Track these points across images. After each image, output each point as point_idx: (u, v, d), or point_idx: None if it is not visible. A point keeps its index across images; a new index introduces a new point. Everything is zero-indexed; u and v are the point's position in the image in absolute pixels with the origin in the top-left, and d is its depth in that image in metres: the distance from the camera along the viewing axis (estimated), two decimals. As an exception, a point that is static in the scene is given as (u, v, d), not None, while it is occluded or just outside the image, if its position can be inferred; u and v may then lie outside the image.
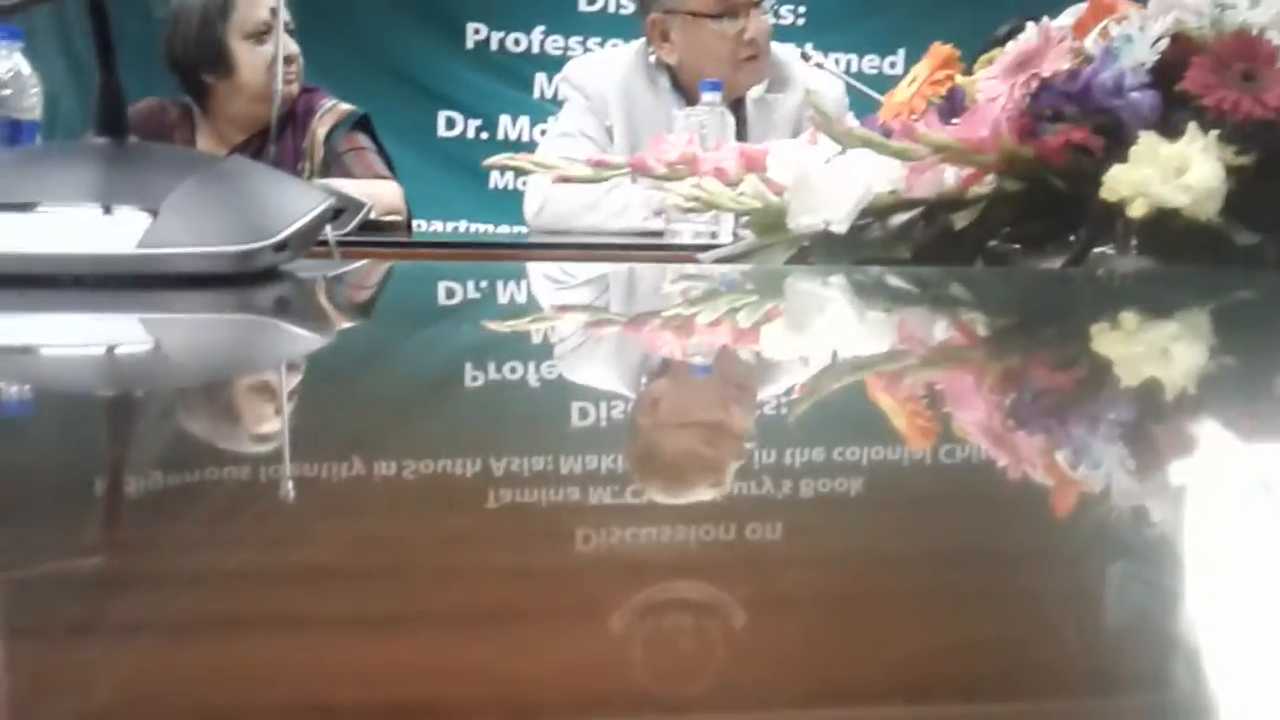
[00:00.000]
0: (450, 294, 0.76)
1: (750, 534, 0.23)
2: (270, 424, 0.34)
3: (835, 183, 0.80)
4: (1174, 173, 0.75)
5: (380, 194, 1.98)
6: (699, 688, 0.16)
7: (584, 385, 0.45)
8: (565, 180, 1.09)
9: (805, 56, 2.17)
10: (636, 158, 0.98)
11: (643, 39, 2.08)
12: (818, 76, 2.08)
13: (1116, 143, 0.81)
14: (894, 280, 0.79)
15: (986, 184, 0.81)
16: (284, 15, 2.03)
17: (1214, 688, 0.16)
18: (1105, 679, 0.16)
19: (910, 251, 0.81)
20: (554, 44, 3.33)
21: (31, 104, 1.58)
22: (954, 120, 0.85)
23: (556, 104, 2.41)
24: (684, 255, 1.29)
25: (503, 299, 0.77)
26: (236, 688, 0.15)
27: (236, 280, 0.56)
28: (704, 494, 0.27)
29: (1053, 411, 0.40)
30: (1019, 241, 0.83)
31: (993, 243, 0.83)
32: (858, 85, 2.20)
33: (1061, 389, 0.45)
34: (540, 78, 3.31)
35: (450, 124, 3.30)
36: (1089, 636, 0.18)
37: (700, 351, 0.53)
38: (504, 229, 2.91)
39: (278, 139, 2.01)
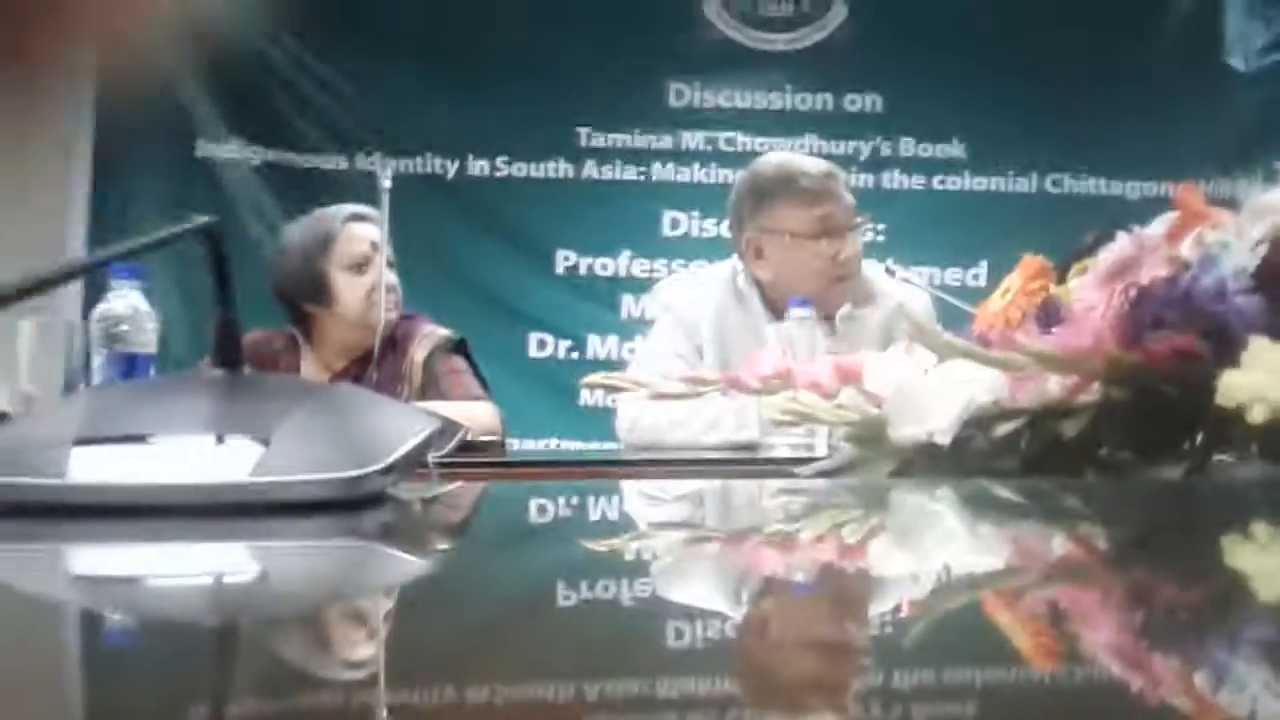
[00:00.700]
0: (545, 512, 0.76)
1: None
2: (375, 651, 0.33)
3: (936, 393, 0.79)
4: (1289, 376, 0.73)
5: (477, 415, 2.02)
6: None
7: (688, 606, 0.43)
8: (660, 397, 1.10)
9: (890, 271, 2.20)
10: (731, 374, 0.99)
11: (732, 259, 2.13)
12: (903, 290, 2.11)
13: (1224, 347, 0.79)
14: (1003, 493, 0.77)
15: (1093, 392, 0.79)
16: (387, 251, 2.13)
17: None
18: None
19: (1017, 463, 0.79)
20: (640, 267, 3.44)
21: (148, 338, 1.66)
22: (1052, 330, 0.84)
23: (644, 324, 2.47)
24: (780, 471, 1.28)
25: (597, 517, 0.76)
26: None
27: (344, 505, 0.57)
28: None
29: (1187, 631, 0.38)
30: (1130, 450, 0.81)
31: (1102, 452, 0.80)
32: (944, 296, 2.22)
33: (1194, 606, 0.43)
34: (627, 299, 3.41)
35: (541, 345, 3.39)
36: None
37: (806, 569, 0.51)
38: (595, 445, 2.93)
39: (380, 363, 2.08)
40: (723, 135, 3.47)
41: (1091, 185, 3.50)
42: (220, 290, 0.66)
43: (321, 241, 2.18)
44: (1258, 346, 0.75)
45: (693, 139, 3.47)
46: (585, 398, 3.21)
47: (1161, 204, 0.90)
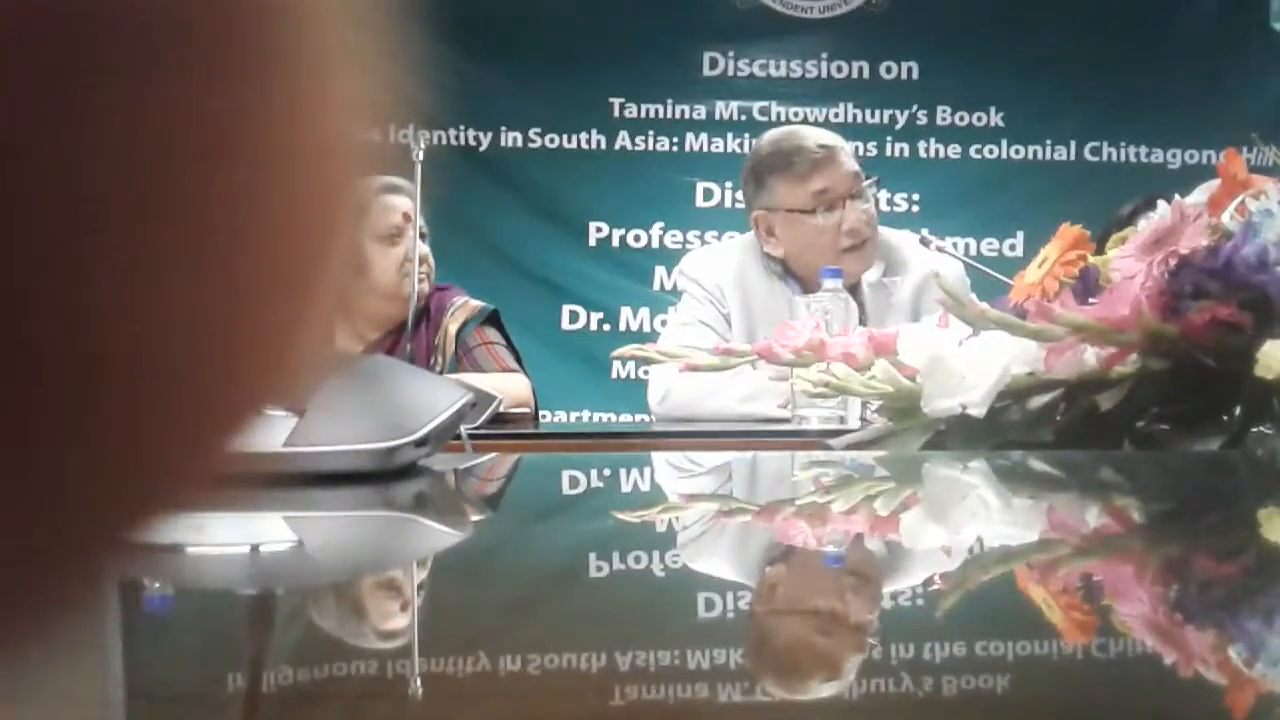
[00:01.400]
0: (578, 484, 0.76)
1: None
2: (409, 620, 0.33)
3: (971, 365, 0.78)
4: (1332, 347, 0.71)
5: (510, 387, 2.02)
6: None
7: (719, 578, 0.43)
8: (692, 369, 1.09)
9: (924, 241, 2.18)
10: (763, 345, 0.98)
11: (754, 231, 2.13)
12: (935, 259, 2.09)
13: (1264, 318, 0.78)
14: (1038, 465, 0.76)
15: (1130, 363, 0.78)
16: (420, 222, 2.13)
17: None
18: None
19: (1052, 434, 0.79)
20: (673, 238, 3.42)
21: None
22: (1090, 300, 0.83)
23: (676, 296, 2.46)
24: (812, 442, 1.27)
25: (630, 489, 0.76)
26: None
27: (378, 475, 0.57)
28: (861, 692, 0.25)
29: (1224, 604, 0.37)
30: (1168, 422, 0.80)
31: (1140, 424, 0.79)
32: (978, 267, 2.19)
33: (1232, 579, 0.42)
34: (660, 270, 3.39)
35: (574, 317, 3.39)
36: None
37: (838, 541, 0.51)
38: (626, 418, 2.94)
39: (413, 335, 2.08)
40: (757, 105, 3.44)
41: (1130, 153, 3.44)
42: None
43: (359, 212, 2.19)
44: (1300, 317, 0.74)
45: (727, 109, 3.45)
46: (617, 370, 3.21)
47: (1203, 172, 0.89)
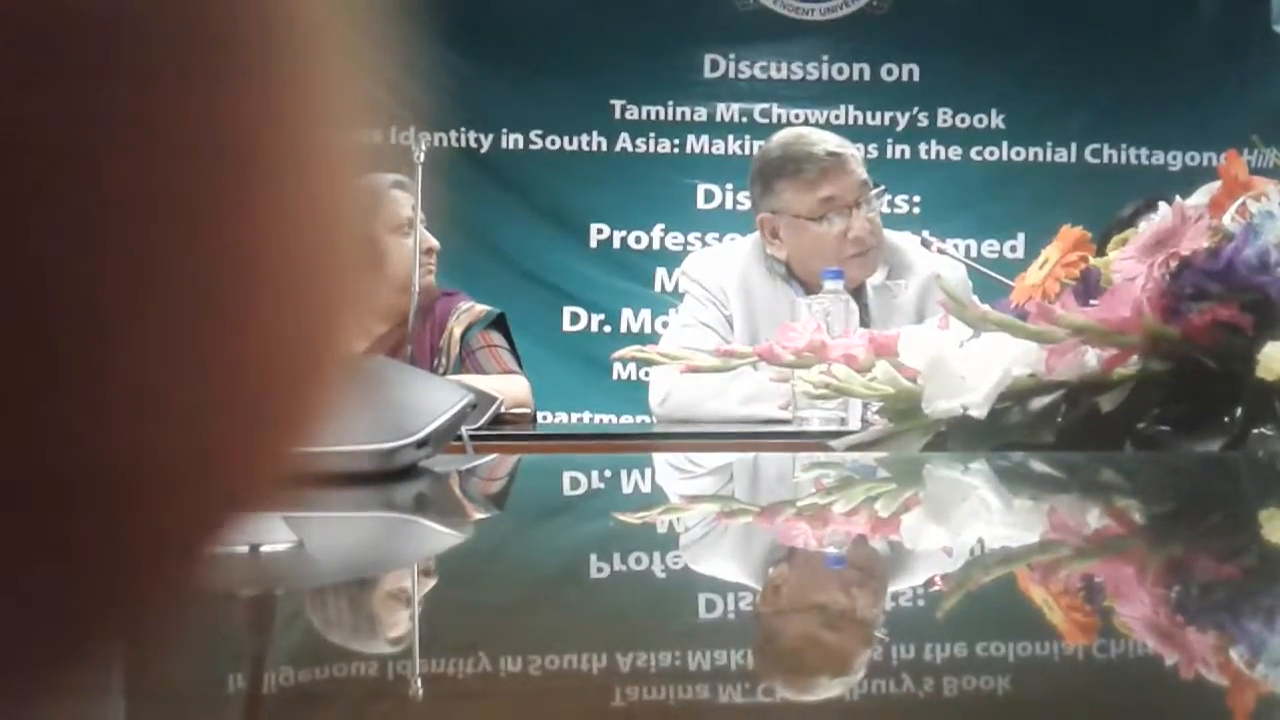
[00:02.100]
0: (579, 485, 0.76)
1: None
2: (410, 621, 0.33)
3: (972, 366, 0.78)
4: (1333, 348, 0.71)
5: (510, 389, 2.02)
6: None
7: (720, 579, 0.43)
8: (693, 370, 1.09)
9: (925, 243, 2.18)
10: (764, 346, 0.98)
11: (758, 232, 2.13)
12: (938, 262, 2.09)
13: (1265, 320, 0.78)
14: (1039, 466, 0.76)
15: (1131, 365, 0.78)
16: (421, 223, 2.13)
17: None
18: None
19: (1053, 436, 0.79)
20: (673, 240, 3.42)
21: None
22: (1091, 302, 0.83)
23: (677, 297, 2.46)
24: (813, 444, 1.27)
25: (631, 490, 0.76)
26: None
27: (379, 476, 0.57)
28: (863, 693, 0.25)
29: (1226, 606, 0.37)
30: (1169, 424, 0.80)
31: (1141, 425, 0.79)
32: (979, 268, 2.19)
33: (1233, 581, 0.42)
34: (661, 272, 3.39)
35: (575, 319, 3.39)
36: None
37: (838, 542, 0.51)
38: (627, 419, 2.94)
39: (415, 336, 2.08)
40: (758, 107, 3.44)
41: (1131, 155, 3.44)
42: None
43: (370, 204, 2.19)
44: (1301, 318, 0.74)
45: (728, 110, 3.44)
46: (618, 371, 3.21)
47: (1204, 174, 0.89)
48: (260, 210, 0.14)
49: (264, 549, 0.47)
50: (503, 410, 1.68)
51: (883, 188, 2.12)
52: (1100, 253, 0.94)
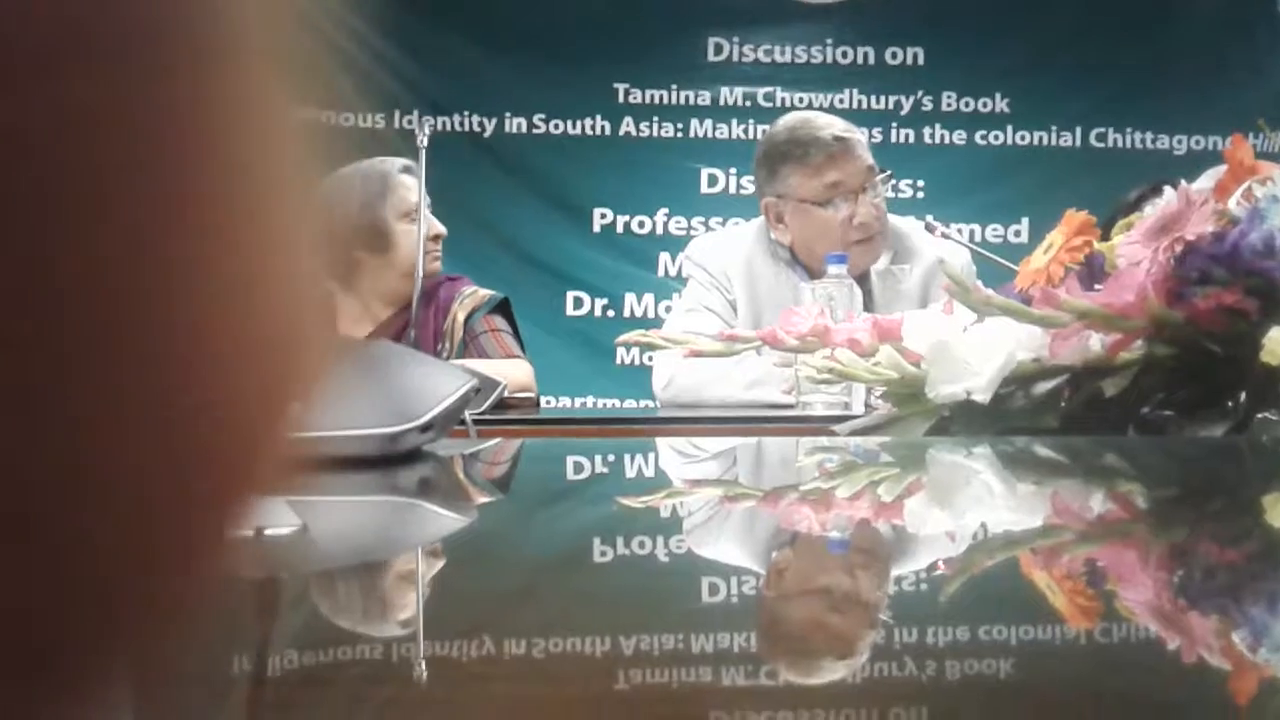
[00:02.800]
0: (582, 469, 0.76)
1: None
2: (415, 605, 0.33)
3: (976, 351, 0.78)
4: (1338, 333, 0.71)
5: (513, 373, 2.03)
6: None
7: (723, 563, 0.43)
8: (697, 355, 1.09)
9: (929, 228, 2.17)
10: (768, 331, 0.98)
11: (763, 216, 2.12)
12: (942, 246, 2.09)
13: (1270, 304, 0.78)
14: (1042, 450, 0.76)
15: (1135, 349, 0.78)
16: (426, 206, 2.13)
17: None
18: None
19: (1057, 420, 0.79)
20: (677, 225, 3.42)
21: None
22: (1095, 286, 0.83)
23: (680, 282, 2.46)
24: (816, 428, 1.27)
25: (635, 474, 0.76)
26: None
27: (383, 460, 0.57)
28: (866, 676, 0.25)
29: (1229, 589, 0.37)
30: (1173, 408, 0.80)
31: (1145, 410, 0.79)
32: (984, 253, 2.19)
33: (1236, 565, 0.42)
34: (664, 257, 3.39)
35: (578, 303, 3.39)
36: None
37: (842, 526, 0.51)
38: (631, 403, 2.94)
39: (419, 320, 2.08)
40: (762, 90, 3.43)
41: (1136, 139, 3.43)
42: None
43: (379, 190, 2.19)
44: (1306, 303, 0.74)
45: (731, 94, 3.43)
46: (621, 356, 3.21)
47: (1209, 158, 0.89)
48: (230, 206, 0.14)
49: (268, 533, 0.48)
50: (506, 394, 1.68)
51: (889, 173, 2.11)
52: (1105, 237, 0.94)
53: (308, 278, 0.16)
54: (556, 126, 3.47)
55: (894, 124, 3.44)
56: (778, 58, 3.51)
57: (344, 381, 0.59)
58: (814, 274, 1.98)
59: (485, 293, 2.26)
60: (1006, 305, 0.81)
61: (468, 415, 0.73)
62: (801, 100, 3.32)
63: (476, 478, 0.69)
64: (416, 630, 0.30)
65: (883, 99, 3.45)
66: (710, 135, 3.50)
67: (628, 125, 3.48)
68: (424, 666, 0.25)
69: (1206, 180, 0.90)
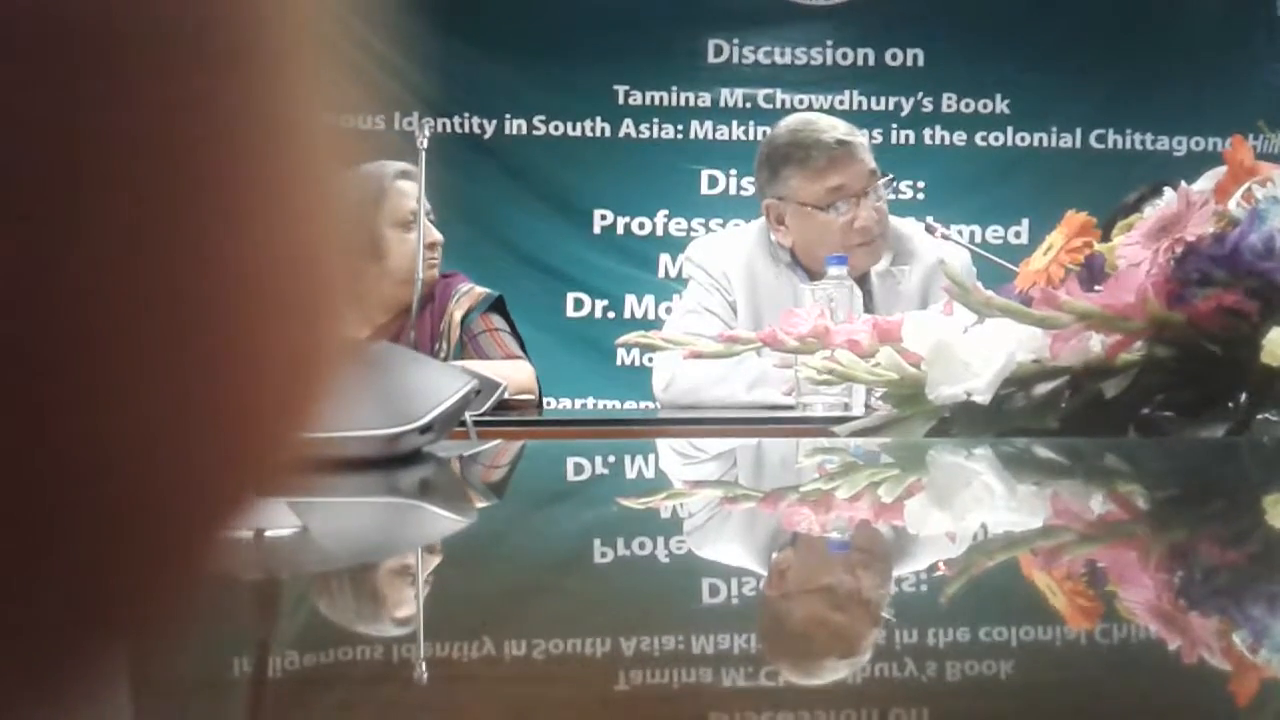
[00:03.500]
0: (583, 471, 0.76)
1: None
2: (415, 606, 0.33)
3: (976, 352, 0.78)
4: (1338, 334, 0.71)
5: (513, 374, 2.03)
6: None
7: (724, 564, 0.43)
8: (697, 356, 1.09)
9: (929, 229, 2.17)
10: (768, 332, 0.98)
11: (763, 218, 2.12)
12: (942, 247, 2.08)
13: (1270, 305, 0.78)
14: (1043, 452, 0.76)
15: (1135, 350, 0.78)
16: (425, 204, 2.13)
17: None
18: None
19: (1057, 421, 0.79)
20: (677, 226, 3.42)
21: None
22: (1095, 287, 0.83)
23: (680, 283, 2.46)
24: (816, 429, 1.27)
25: (635, 475, 0.76)
26: None
27: (383, 461, 0.57)
28: (866, 676, 0.25)
29: (1230, 590, 0.37)
30: (1173, 409, 0.80)
31: (1145, 411, 0.79)
32: (984, 254, 2.19)
33: (1237, 565, 0.42)
34: (664, 258, 3.39)
35: (578, 304, 3.39)
36: None
37: (842, 527, 0.51)
38: (631, 405, 2.94)
39: (418, 321, 2.09)
40: (762, 92, 3.43)
41: (1137, 140, 3.43)
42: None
43: (373, 198, 2.20)
44: (1306, 304, 0.74)
45: (731, 96, 3.44)
46: (622, 357, 3.21)
47: (1209, 159, 0.89)
48: (248, 202, 0.14)
49: (269, 534, 0.48)
50: (507, 396, 1.68)
51: (890, 177, 2.11)
52: (1105, 238, 0.94)
53: (331, 278, 0.16)
54: (557, 128, 3.47)
55: (894, 125, 3.44)
56: (777, 59, 3.51)
57: (344, 383, 0.59)
58: (814, 276, 1.98)
59: (480, 291, 2.26)
60: (1007, 306, 0.81)
61: (468, 417, 0.73)
62: (802, 102, 3.32)
63: (476, 479, 0.69)
64: (417, 631, 0.30)
65: (883, 100, 3.46)
66: (710, 137, 3.50)
67: (628, 127, 3.48)
68: (425, 667, 0.25)
69: (1206, 181, 0.90)
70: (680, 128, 3.50)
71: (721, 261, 2.09)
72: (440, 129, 3.19)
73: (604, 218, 3.47)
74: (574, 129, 3.47)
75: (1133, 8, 3.39)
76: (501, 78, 3.41)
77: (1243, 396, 0.76)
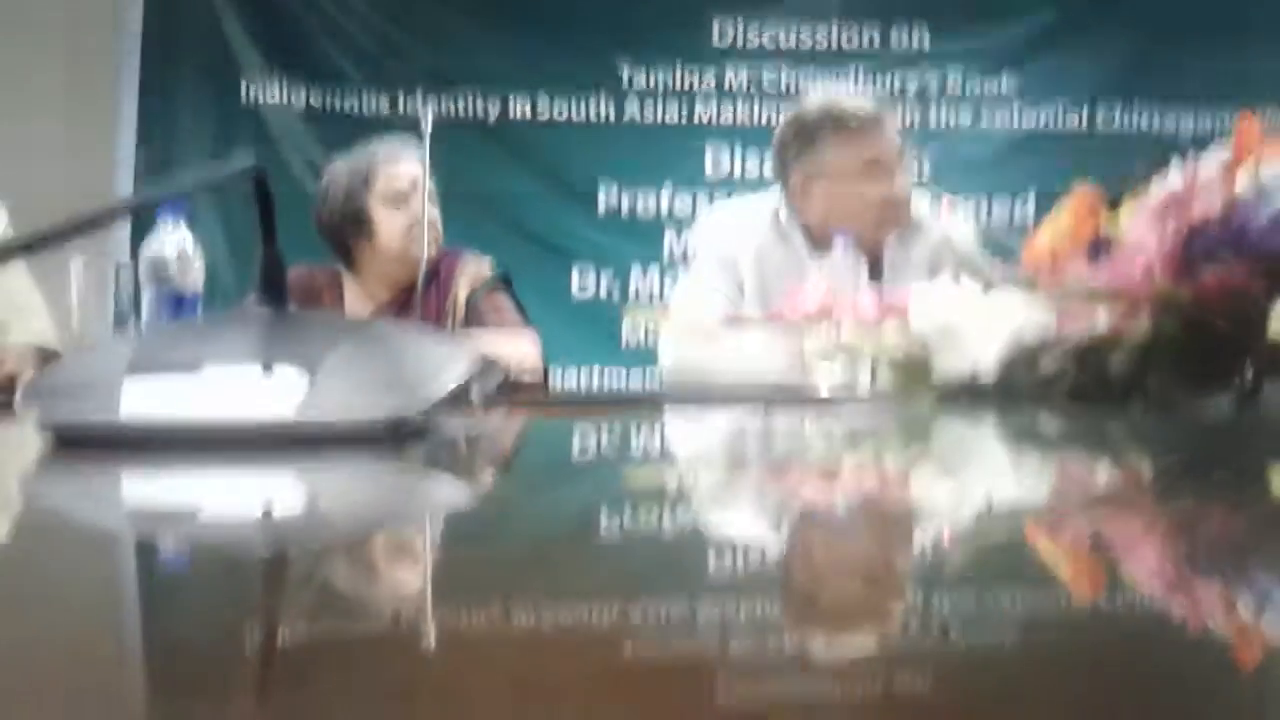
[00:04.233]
0: (589, 445, 0.76)
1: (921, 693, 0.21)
2: (423, 578, 0.33)
3: (982, 326, 0.78)
4: (1345, 309, 0.71)
5: (519, 349, 2.03)
6: None
7: (731, 535, 0.43)
8: (703, 332, 1.09)
9: (936, 199, 2.17)
10: (774, 308, 0.98)
11: (773, 192, 2.11)
12: (950, 220, 2.08)
13: (1277, 282, 0.78)
14: (1048, 426, 0.77)
15: (1141, 326, 0.78)
16: (429, 184, 2.13)
17: None
18: None
19: (1063, 396, 0.79)
20: (682, 204, 3.42)
21: (195, 278, 1.68)
22: (1101, 263, 0.83)
23: (686, 259, 2.46)
24: (822, 404, 1.27)
25: (642, 449, 0.77)
26: None
27: (387, 438, 0.57)
28: (878, 649, 0.26)
29: (1233, 559, 0.37)
30: (1178, 384, 0.80)
31: (1150, 386, 0.79)
32: (991, 230, 2.19)
33: (1241, 535, 0.42)
34: (669, 234, 3.39)
35: (584, 283, 3.39)
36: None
37: (848, 498, 0.51)
38: (636, 382, 2.94)
39: (423, 297, 2.09)
40: (767, 71, 3.43)
41: (1144, 118, 3.42)
42: (265, 228, 0.66)
43: (363, 176, 2.21)
44: (1313, 279, 0.73)
45: (736, 75, 3.43)
46: (627, 334, 3.21)
47: (1216, 136, 0.88)
48: None
49: (276, 506, 0.48)
50: (511, 370, 1.68)
51: (915, 154, 2.11)
52: (1112, 215, 0.94)
53: None
54: (561, 108, 3.46)
55: (900, 104, 3.43)
56: (783, 38, 3.50)
57: (349, 363, 0.59)
58: (826, 250, 1.98)
59: (486, 267, 2.27)
60: (1014, 281, 0.81)
61: (474, 394, 0.73)
62: (807, 81, 3.31)
63: (482, 455, 0.69)
64: (425, 604, 0.30)
65: (889, 78, 3.45)
66: (715, 116, 3.50)
67: (633, 106, 3.48)
68: (434, 637, 0.26)
69: (1213, 158, 0.90)
70: (685, 107, 3.49)
71: (728, 238, 2.09)
72: (444, 109, 3.18)
73: (609, 196, 3.47)
74: (579, 108, 3.47)
75: (1141, -16, 3.37)
76: (506, 57, 3.41)
77: (1249, 371, 0.76)
